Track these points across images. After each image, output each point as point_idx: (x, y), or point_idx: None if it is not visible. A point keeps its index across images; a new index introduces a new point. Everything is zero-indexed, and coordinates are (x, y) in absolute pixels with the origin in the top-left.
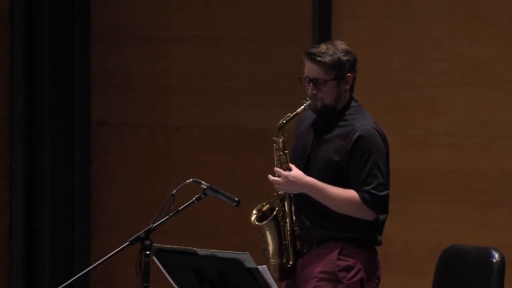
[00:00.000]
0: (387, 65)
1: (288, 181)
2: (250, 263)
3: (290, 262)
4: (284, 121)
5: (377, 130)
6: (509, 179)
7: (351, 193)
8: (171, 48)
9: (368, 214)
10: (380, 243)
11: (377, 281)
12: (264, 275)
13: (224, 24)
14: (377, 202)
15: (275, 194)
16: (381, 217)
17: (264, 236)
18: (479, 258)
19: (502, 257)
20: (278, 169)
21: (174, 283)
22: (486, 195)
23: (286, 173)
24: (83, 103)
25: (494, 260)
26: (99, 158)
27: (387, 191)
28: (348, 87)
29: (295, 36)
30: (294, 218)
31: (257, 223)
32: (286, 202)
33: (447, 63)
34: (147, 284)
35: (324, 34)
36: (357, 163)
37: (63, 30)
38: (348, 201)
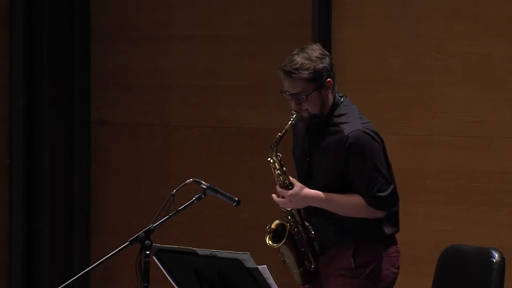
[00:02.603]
0: (387, 64)
1: (293, 199)
2: (250, 263)
3: (313, 266)
4: (275, 143)
5: (366, 133)
6: (509, 179)
7: (357, 199)
8: (171, 47)
9: (377, 214)
10: (396, 232)
11: (396, 271)
12: (264, 275)
13: (224, 24)
14: (383, 203)
15: (282, 209)
16: (393, 208)
17: (281, 250)
18: (479, 258)
19: (502, 257)
20: (280, 189)
21: (174, 283)
22: (486, 195)
23: (289, 192)
24: (82, 102)
25: (494, 260)
26: (98, 158)
27: (392, 186)
28: (330, 91)
29: (295, 36)
30: (307, 224)
31: (274, 245)
32: (295, 215)
33: (447, 62)
34: (147, 284)
35: (324, 34)
36: (355, 170)
37: (62, 29)
38: (355, 207)
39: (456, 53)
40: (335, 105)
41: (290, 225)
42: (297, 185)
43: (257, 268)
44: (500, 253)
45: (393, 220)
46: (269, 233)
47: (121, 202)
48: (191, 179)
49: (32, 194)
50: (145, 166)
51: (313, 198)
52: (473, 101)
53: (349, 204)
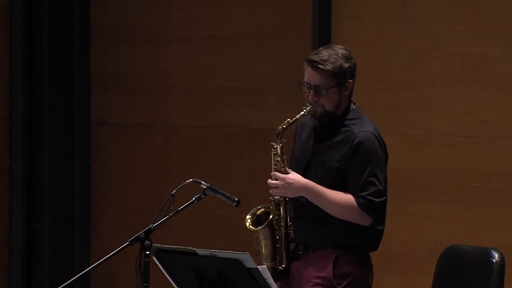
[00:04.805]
0: (387, 64)
1: (287, 183)
2: (250, 263)
3: (283, 265)
4: (283, 127)
5: (376, 137)
6: (509, 179)
7: (348, 198)
8: (171, 47)
9: (364, 219)
10: (374, 249)
11: None
12: (264, 275)
13: (223, 24)
14: (373, 208)
15: (270, 198)
16: (378, 227)
17: (258, 239)
18: (479, 258)
19: (502, 257)
20: (276, 172)
21: (174, 283)
22: (486, 195)
23: (284, 175)
24: (82, 102)
25: (494, 260)
26: (98, 158)
27: (384, 198)
28: (349, 93)
29: (295, 36)
30: (289, 222)
31: (252, 228)
32: (281, 207)
33: (447, 62)
34: (147, 284)
35: (324, 34)
36: (355, 169)
37: (62, 29)
38: (344, 205)
39: (456, 53)
40: (349, 110)
41: (274, 215)
42: (293, 172)
43: (257, 268)
44: (500, 253)
45: (377, 239)
46: (252, 216)
47: (121, 202)
48: (191, 179)
49: (32, 194)
50: (145, 166)
51: (305, 186)
52: (473, 101)
53: (340, 201)
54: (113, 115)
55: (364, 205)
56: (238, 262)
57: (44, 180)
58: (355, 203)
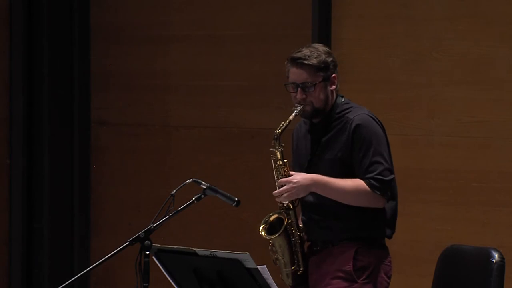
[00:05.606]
0: (386, 64)
1: (294, 184)
2: (250, 263)
3: (301, 268)
4: (279, 131)
5: (372, 118)
6: (509, 179)
7: (358, 182)
8: (171, 47)
9: (378, 201)
10: (393, 233)
11: (388, 280)
12: (264, 275)
13: (223, 24)
14: (384, 187)
15: (279, 204)
16: (392, 203)
17: (275, 246)
18: (479, 258)
19: (502, 257)
20: (280, 179)
21: (174, 283)
22: (486, 195)
23: (287, 178)
24: (82, 102)
25: (494, 260)
26: (98, 158)
27: (393, 175)
28: (334, 87)
29: (295, 36)
30: (300, 224)
31: (268, 236)
32: (291, 211)
33: (447, 63)
34: (147, 284)
35: (324, 34)
36: (359, 152)
37: (62, 29)
38: (356, 191)
39: (456, 53)
40: (336, 104)
41: (287, 219)
42: (297, 173)
43: (257, 268)
44: (500, 253)
45: (393, 222)
46: (265, 224)
47: (121, 202)
48: (191, 179)
49: (32, 194)
50: (145, 166)
51: (313, 180)
52: (473, 101)
53: (350, 187)
54: (113, 115)
55: (375, 186)
56: (238, 262)
57: (44, 180)
58: (366, 186)
